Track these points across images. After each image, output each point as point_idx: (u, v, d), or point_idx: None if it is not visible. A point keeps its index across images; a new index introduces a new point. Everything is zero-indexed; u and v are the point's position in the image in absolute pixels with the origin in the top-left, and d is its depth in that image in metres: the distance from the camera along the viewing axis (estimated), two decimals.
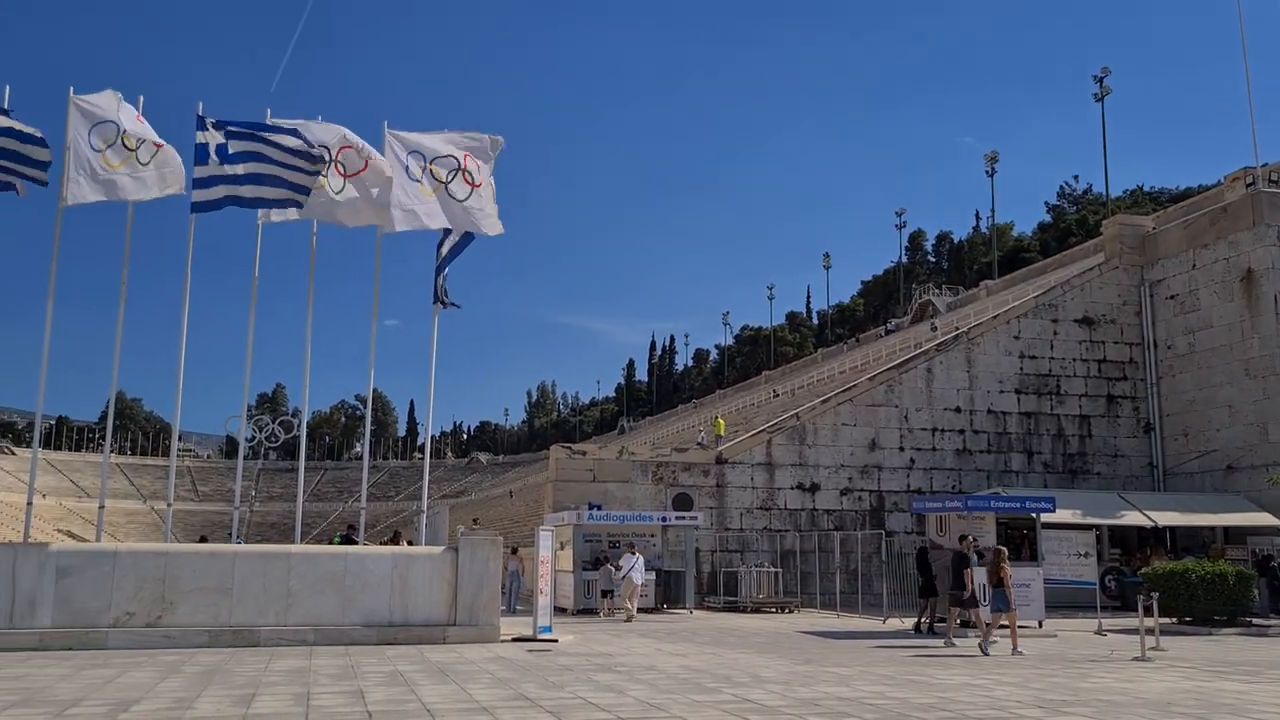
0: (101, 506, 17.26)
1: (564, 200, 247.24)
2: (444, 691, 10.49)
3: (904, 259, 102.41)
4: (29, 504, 16.64)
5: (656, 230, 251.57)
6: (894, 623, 22.93)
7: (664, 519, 28.87)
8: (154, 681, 11.12)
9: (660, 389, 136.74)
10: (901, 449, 34.97)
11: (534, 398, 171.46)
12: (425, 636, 15.92)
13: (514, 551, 28.18)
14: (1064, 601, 25.30)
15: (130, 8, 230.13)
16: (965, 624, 18.17)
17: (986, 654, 15.91)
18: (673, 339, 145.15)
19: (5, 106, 15.80)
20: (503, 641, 16.35)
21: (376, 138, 17.75)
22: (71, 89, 16.06)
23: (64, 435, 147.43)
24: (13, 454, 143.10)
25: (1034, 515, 22.45)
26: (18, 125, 15.70)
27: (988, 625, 16.78)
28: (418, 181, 17.53)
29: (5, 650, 14.05)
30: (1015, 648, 16.11)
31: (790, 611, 27.70)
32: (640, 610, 26.01)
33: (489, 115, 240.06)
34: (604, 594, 25.93)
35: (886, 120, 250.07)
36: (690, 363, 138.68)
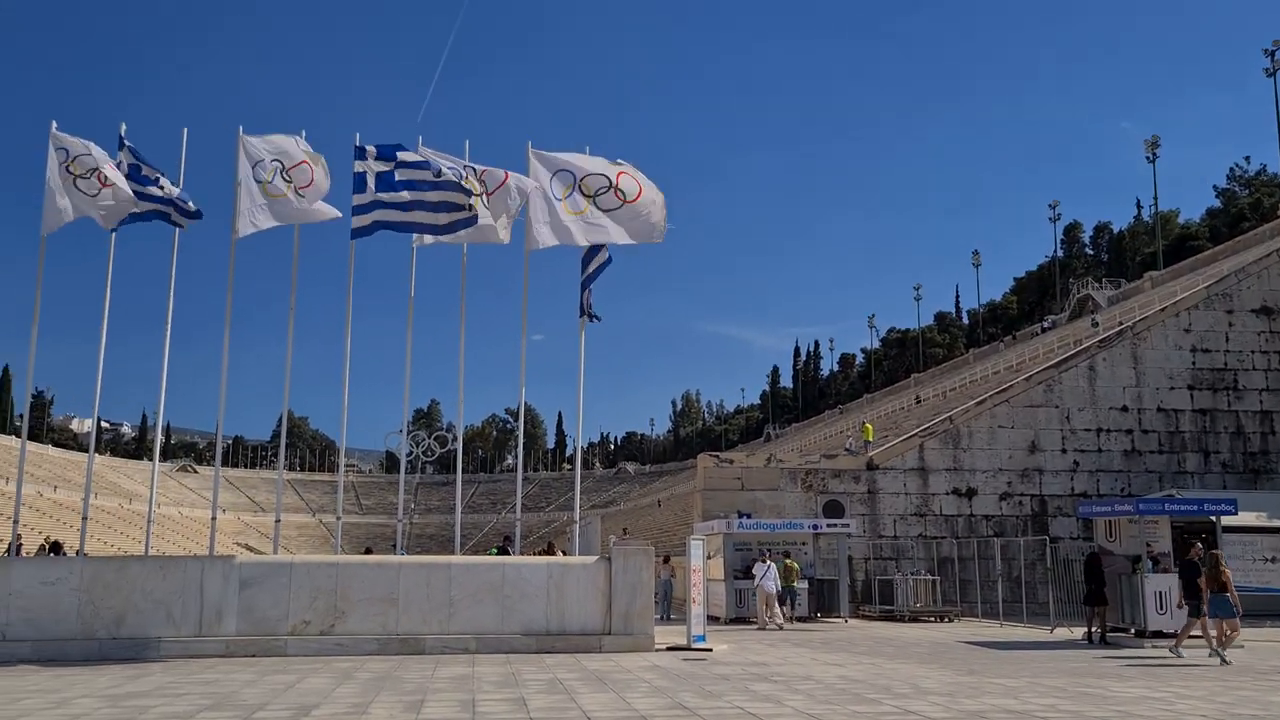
0: (277, 521, 18.24)
1: (706, 209, 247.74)
2: (603, 699, 10.64)
3: (1059, 253, 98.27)
4: (213, 519, 17.75)
5: (799, 236, 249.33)
6: (1062, 632, 21.98)
7: (815, 526, 28.50)
8: (330, 687, 11.67)
9: (805, 395, 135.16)
10: (1064, 451, 33.51)
11: (679, 407, 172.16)
12: (581, 645, 16.17)
13: (665, 560, 28.36)
14: (1248, 610, 23.69)
15: (292, 46, 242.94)
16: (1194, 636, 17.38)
17: (1180, 657, 15.15)
18: (817, 344, 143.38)
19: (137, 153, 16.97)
20: (657, 650, 16.45)
21: (520, 159, 18.21)
22: (241, 128, 17.12)
23: (240, 454, 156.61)
24: (195, 472, 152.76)
25: (1213, 518, 21.13)
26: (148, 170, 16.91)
27: (1210, 634, 16.34)
28: (560, 200, 17.90)
29: (196, 656, 15.02)
30: (1224, 657, 15.62)
31: (949, 621, 26.89)
32: (798, 619, 25.78)
33: (632, 129, 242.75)
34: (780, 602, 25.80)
35: (1034, 109, 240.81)
36: (835, 368, 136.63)
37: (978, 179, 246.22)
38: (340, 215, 17.53)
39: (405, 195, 16.75)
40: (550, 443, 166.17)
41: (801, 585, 26.69)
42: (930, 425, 34.81)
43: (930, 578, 28.27)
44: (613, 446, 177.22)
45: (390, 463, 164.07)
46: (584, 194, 17.85)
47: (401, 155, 16.81)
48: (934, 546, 31.24)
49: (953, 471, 32.75)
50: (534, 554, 27.29)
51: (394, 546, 34.72)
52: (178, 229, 17.49)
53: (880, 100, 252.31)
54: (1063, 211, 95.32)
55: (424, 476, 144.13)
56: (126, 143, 16.90)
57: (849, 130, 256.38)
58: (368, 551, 33.19)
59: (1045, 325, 69.69)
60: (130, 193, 16.88)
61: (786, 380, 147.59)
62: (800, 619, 26.18)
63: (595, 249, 18.03)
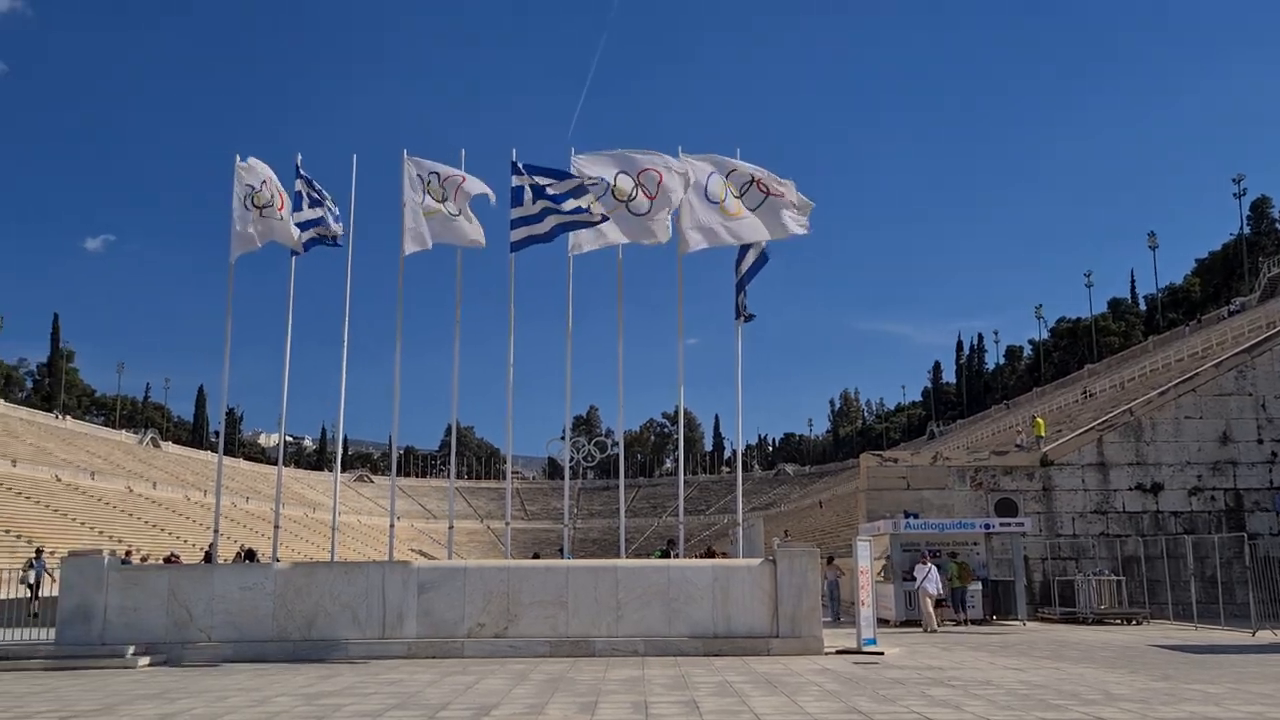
0: (450, 527, 18.95)
1: (859, 203, 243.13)
2: (774, 703, 10.57)
3: (1246, 230, 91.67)
4: (391, 526, 18.59)
5: (957, 225, 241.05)
6: (1265, 635, 20.47)
7: (986, 526, 27.51)
8: (507, 688, 12.02)
9: (970, 390, 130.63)
10: (1260, 441, 31.24)
11: (837, 406, 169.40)
12: (748, 648, 16.12)
13: (830, 561, 27.95)
14: None
15: (448, 69, 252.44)
16: None
17: None
18: (980, 337, 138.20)
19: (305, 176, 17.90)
20: (827, 654, 16.23)
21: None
22: (405, 151, 17.90)
23: (411, 463, 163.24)
24: (372, 482, 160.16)
25: None
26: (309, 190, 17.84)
27: None
28: (709, 202, 17.94)
29: (380, 658, 15.75)
30: None
31: (1137, 623, 25.45)
32: (972, 622, 24.99)
33: (777, 125, 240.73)
34: (937, 604, 25.11)
35: (1211, 78, 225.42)
36: (1001, 360, 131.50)
37: (1150, 154, 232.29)
38: (484, 244, 18.09)
39: (564, 205, 17.14)
40: (708, 446, 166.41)
41: (974, 587, 25.81)
42: (1109, 418, 33.07)
43: (1114, 578, 26.84)
44: (771, 448, 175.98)
45: (552, 469, 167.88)
46: (732, 194, 17.85)
47: (552, 175, 17.26)
48: (1117, 545, 29.64)
49: (1136, 466, 31.01)
50: (694, 558, 27.34)
51: (560, 551, 35.45)
52: (348, 250, 18.43)
53: (1039, 72, 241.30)
54: (1248, 186, 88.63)
55: (585, 482, 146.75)
56: (302, 172, 17.93)
57: (1006, 109, 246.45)
58: (535, 556, 34.05)
59: (1233, 308, 65.20)
60: (306, 219, 17.92)
61: (949, 375, 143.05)
62: (974, 621, 25.32)
63: (746, 249, 17.98)
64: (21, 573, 25.26)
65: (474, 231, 17.93)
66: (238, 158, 18.22)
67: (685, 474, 20.58)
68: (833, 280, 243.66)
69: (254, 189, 18.12)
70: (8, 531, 54.20)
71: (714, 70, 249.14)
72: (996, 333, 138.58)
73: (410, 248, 17.60)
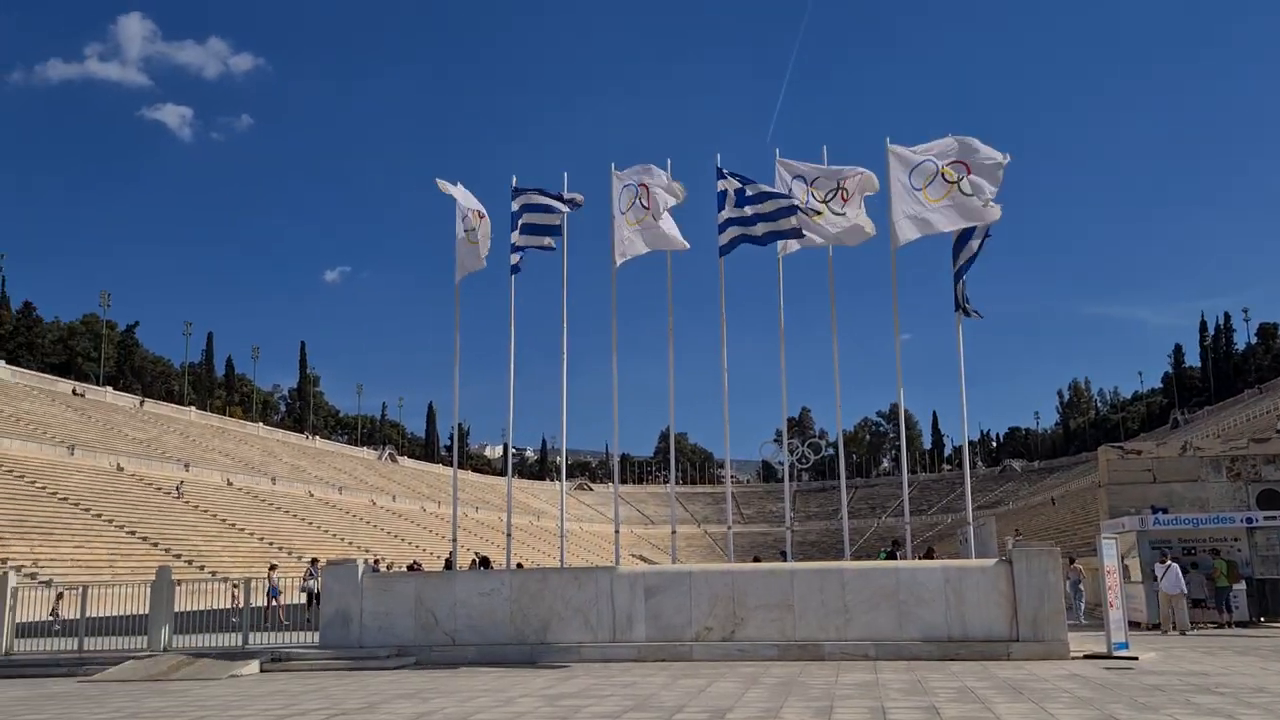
0: (673, 532, 19.26)
1: (1078, 179, 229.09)
2: (1021, 709, 10.09)
3: None
4: (616, 532, 19.06)
5: (1194, 197, 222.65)
6: None
7: (1249, 520, 25.23)
8: (739, 691, 12.05)
9: (1217, 374, 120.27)
10: None
11: (1065, 397, 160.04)
12: (986, 652, 15.46)
13: (1071, 561, 26.47)
14: None
15: (650, 81, 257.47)
16: None
17: None
18: (1227, 317, 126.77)
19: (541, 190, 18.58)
20: (1073, 658, 15.33)
21: (873, 155, 17.94)
22: (613, 165, 18.34)
23: (628, 470, 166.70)
24: (591, 489, 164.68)
25: None
26: (540, 199, 18.47)
27: None
28: (919, 190, 17.41)
29: (611, 661, 16.14)
30: None
31: None
32: (1236, 624, 23.04)
33: (988, 103, 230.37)
34: (1194, 604, 23.32)
35: None
36: (1253, 340, 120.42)
37: None
38: (687, 246, 18.24)
39: (761, 208, 17.09)
40: (927, 443, 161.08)
41: (1239, 586, 23.75)
42: None
43: None
44: (995, 444, 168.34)
45: (766, 472, 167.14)
46: (946, 180, 17.24)
47: (757, 185, 17.27)
48: None
49: None
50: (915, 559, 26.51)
51: (780, 554, 35.26)
52: (563, 266, 19.07)
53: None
54: None
55: (800, 484, 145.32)
56: (517, 193, 18.72)
57: (1243, 67, 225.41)
58: (755, 559, 33.99)
59: None
60: (521, 242, 18.70)
61: (1191, 359, 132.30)
62: (1239, 624, 23.28)
63: (965, 238, 17.31)
64: (303, 581, 27.56)
65: (676, 236, 18.13)
66: (458, 182, 19.27)
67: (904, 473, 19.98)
68: (1054, 264, 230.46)
69: (469, 209, 19.08)
70: (271, 544, 59.24)
71: (915, 54, 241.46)
72: (1246, 311, 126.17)
73: (620, 259, 18.02)
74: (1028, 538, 44.72)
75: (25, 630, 19.67)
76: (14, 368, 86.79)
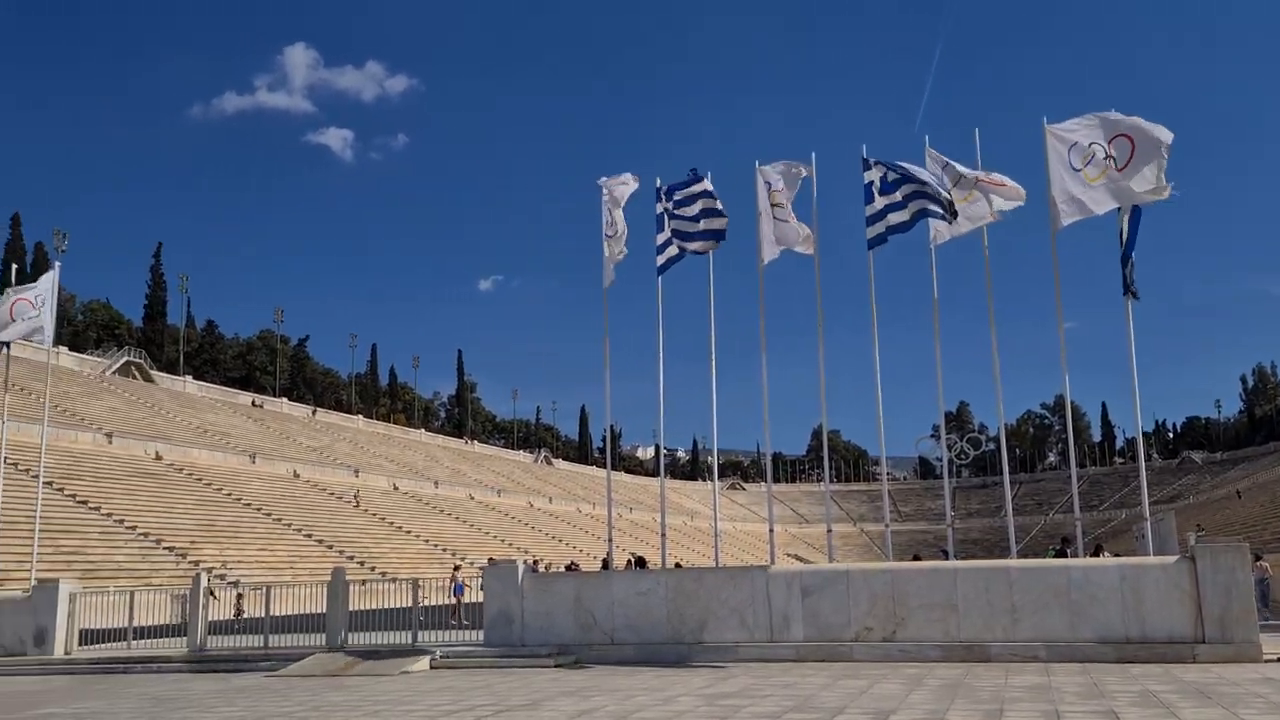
0: (829, 531, 18.96)
1: (1259, 155, 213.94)
2: (1210, 715, 9.48)
3: None
4: (770, 531, 18.91)
5: None
6: None
7: None
8: (902, 693, 11.76)
9: None
10: None
11: (1250, 383, 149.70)
12: (1168, 654, 14.58)
13: (1257, 559, 24.74)
14: None
15: (791, 74, 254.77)
16: None
17: None
18: None
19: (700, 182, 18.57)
20: (1266, 661, 14.30)
21: (1027, 139, 17.23)
22: (757, 162, 18.20)
23: (780, 469, 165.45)
24: (743, 489, 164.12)
25: None
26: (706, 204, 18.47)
27: None
28: (1079, 170, 16.64)
29: (769, 660, 16.01)
30: None
31: None
32: None
33: (1149, 76, 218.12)
34: None
35: None
36: None
37: None
38: (814, 240, 17.93)
39: (914, 188, 16.64)
40: (1096, 435, 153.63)
41: None
42: None
43: None
44: (1171, 434, 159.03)
45: (924, 469, 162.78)
46: (1106, 158, 16.40)
47: (902, 164, 16.81)
48: None
49: None
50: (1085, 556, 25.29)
51: (942, 552, 34.28)
52: (709, 266, 19.06)
53: None
54: None
55: (960, 480, 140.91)
56: (661, 193, 18.83)
57: None
58: (915, 558, 33.14)
59: None
60: (664, 240, 18.81)
61: None
62: None
63: (1135, 219, 16.40)
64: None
65: (805, 231, 17.89)
66: (602, 178, 19.58)
67: (1071, 467, 19.09)
68: (1234, 242, 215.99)
69: (611, 215, 19.32)
70: (435, 545, 61.47)
71: (1070, 28, 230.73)
72: None
73: (768, 255, 17.87)
74: (1211, 534, 42.06)
75: (215, 628, 21.03)
76: (200, 382, 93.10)
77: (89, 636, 20.65)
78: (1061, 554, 20.93)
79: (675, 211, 18.59)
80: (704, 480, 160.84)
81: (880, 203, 17.20)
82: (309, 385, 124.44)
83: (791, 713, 10.41)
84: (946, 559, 18.88)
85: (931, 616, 15.89)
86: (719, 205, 18.33)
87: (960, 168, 17.18)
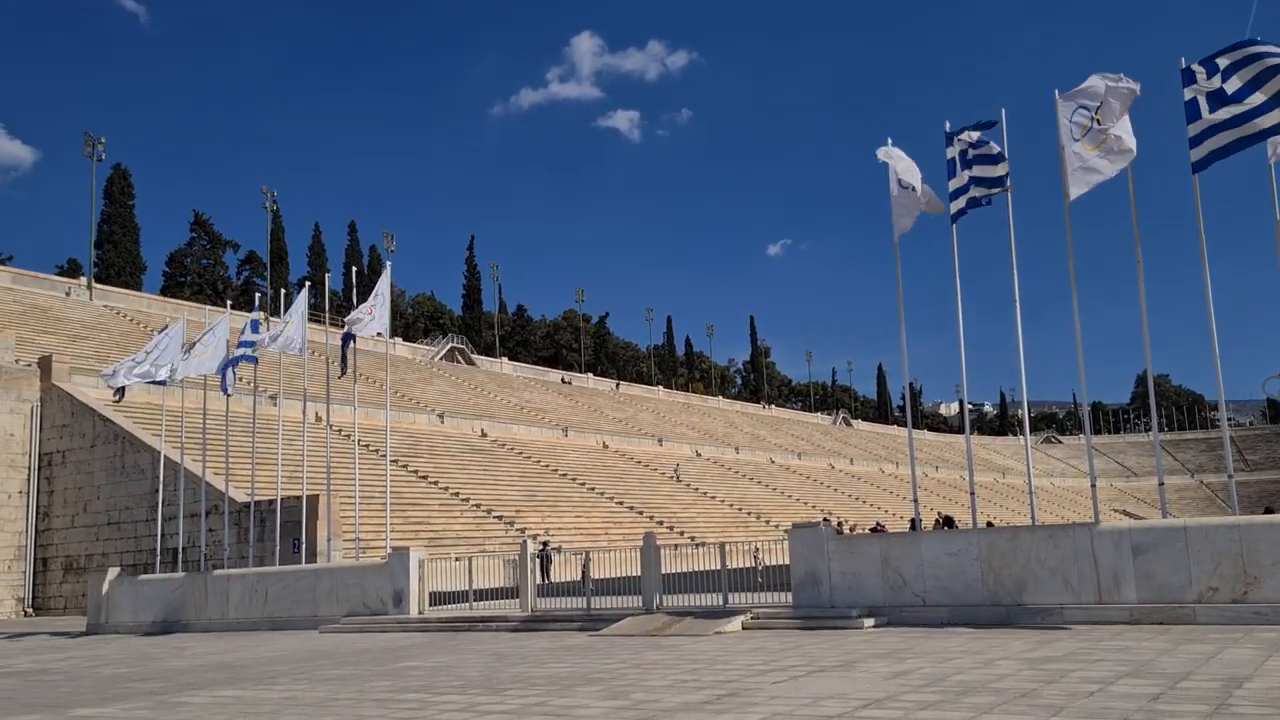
0: (1160, 484, 17.40)
1: None
2: None
3: None
4: (1092, 486, 17.64)
5: None
6: None
7: None
8: (1257, 658, 10.62)
9: None
10: None
11: None
12: None
13: None
14: None
15: None
16: None
17: None
18: None
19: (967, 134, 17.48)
20: None
21: None
22: (1056, 91, 16.85)
23: (1100, 419, 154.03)
24: (1060, 442, 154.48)
25: None
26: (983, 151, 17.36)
27: None
28: None
29: (1098, 623, 14.97)
30: None
31: None
32: None
33: None
34: None
35: None
36: None
37: None
38: (1134, 154, 16.11)
39: (1253, 101, 14.71)
40: None
41: None
42: None
43: None
44: None
45: (1273, 412, 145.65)
46: None
47: (1234, 57, 14.84)
48: None
49: None
50: None
51: None
52: (1006, 208, 17.96)
53: None
54: None
55: None
56: (957, 138, 17.91)
57: None
58: (1268, 510, 29.74)
59: None
60: (959, 185, 17.91)
61: None
62: None
63: None
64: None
65: (1128, 148, 16.14)
66: (889, 141, 18.93)
67: None
68: None
69: (898, 170, 18.68)
70: (740, 509, 62.63)
71: None
72: None
73: (1074, 192, 16.51)
74: None
75: (544, 590, 22.63)
76: (514, 363, 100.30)
77: (436, 598, 22.87)
78: None
79: (969, 156, 17.64)
80: (1014, 435, 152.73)
81: (1212, 117, 15.16)
82: (611, 360, 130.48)
83: (1128, 678, 9.70)
84: None
85: None
86: (997, 151, 17.27)
87: None
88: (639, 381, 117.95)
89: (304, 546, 28.43)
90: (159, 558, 30.32)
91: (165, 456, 32.46)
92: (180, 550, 30.85)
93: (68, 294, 63.34)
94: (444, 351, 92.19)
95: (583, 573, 23.94)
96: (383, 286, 26.93)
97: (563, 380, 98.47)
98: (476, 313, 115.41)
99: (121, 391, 29.77)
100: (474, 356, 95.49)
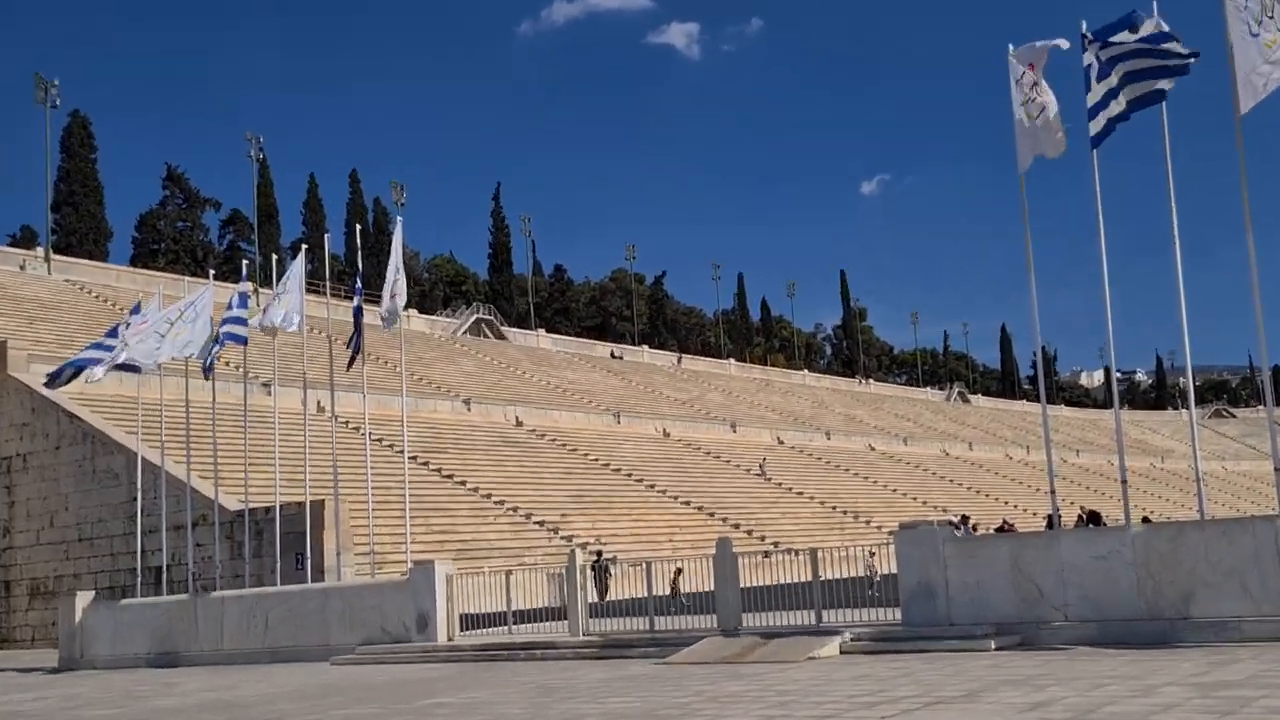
0: None
1: None
2: None
3: None
4: (1276, 470, 17.25)
5: None
6: None
7: None
8: None
9: None
10: None
11: None
12: None
13: None
14: None
15: None
16: None
17: None
18: None
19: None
20: None
21: None
22: None
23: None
24: (1231, 416, 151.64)
25: None
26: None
27: None
28: None
29: None
30: None
31: None
32: None
33: None
34: None
35: None
36: None
37: None
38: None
39: None
40: None
41: None
42: None
43: None
44: None
45: None
46: None
47: None
48: None
49: None
50: None
51: None
52: (1162, 129, 17.52)
53: None
54: None
55: None
56: (1092, 41, 17.45)
57: None
58: None
59: None
60: (1096, 101, 17.52)
61: None
62: None
63: None
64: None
65: None
66: (1010, 47, 18.54)
67: None
68: None
69: (1021, 85, 18.28)
70: (834, 507, 62.48)
71: None
72: None
73: (1247, 103, 16.06)
74: None
75: (595, 610, 22.78)
76: (553, 335, 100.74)
77: (467, 621, 23.15)
78: None
79: (1113, 58, 17.12)
80: (1176, 409, 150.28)
81: None
82: (670, 328, 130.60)
83: None
84: None
85: None
86: (1163, 31, 16.72)
87: None
88: (705, 354, 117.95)
89: (309, 562, 28.94)
90: (139, 578, 31.03)
91: (143, 458, 33.15)
92: (164, 569, 31.60)
93: (22, 267, 65.02)
94: (468, 324, 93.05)
95: (673, 588, 23.98)
96: (395, 251, 27.17)
97: (612, 355, 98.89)
98: (506, 276, 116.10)
99: (62, 379, 30.34)
100: (504, 329, 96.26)
